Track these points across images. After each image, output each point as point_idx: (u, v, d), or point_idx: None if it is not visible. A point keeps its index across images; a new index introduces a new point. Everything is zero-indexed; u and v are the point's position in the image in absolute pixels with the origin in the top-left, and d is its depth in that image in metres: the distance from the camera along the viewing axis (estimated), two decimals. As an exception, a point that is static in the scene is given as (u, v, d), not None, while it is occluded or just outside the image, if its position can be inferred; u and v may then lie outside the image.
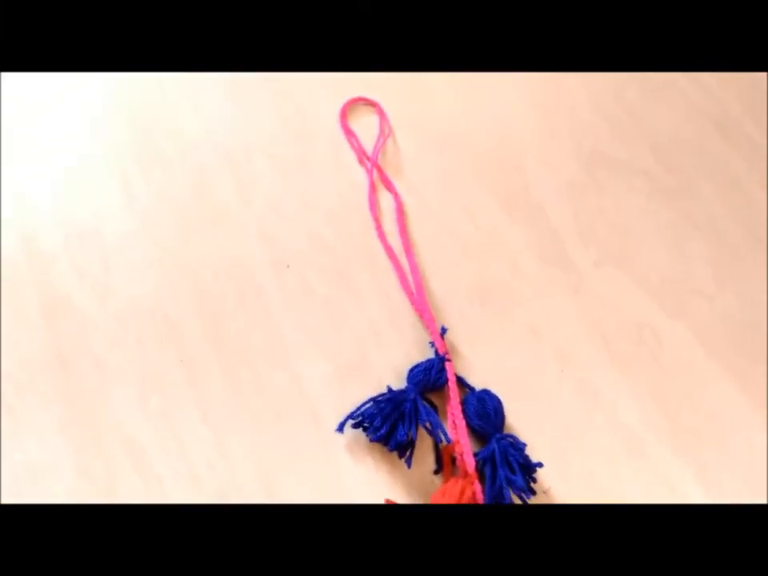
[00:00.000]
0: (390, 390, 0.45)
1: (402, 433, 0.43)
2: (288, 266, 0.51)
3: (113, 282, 0.50)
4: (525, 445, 0.44)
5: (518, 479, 0.42)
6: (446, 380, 0.46)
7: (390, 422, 0.43)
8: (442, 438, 0.43)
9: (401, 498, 0.43)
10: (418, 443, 0.44)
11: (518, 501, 0.43)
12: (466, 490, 0.41)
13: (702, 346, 0.51)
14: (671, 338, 0.51)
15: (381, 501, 0.42)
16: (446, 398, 0.47)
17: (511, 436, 0.45)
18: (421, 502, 0.42)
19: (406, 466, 0.43)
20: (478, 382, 0.47)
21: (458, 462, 0.44)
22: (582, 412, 0.48)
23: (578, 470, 0.45)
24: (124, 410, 0.45)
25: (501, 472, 0.42)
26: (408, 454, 0.43)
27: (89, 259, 0.50)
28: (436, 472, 0.44)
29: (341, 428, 0.44)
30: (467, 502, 0.41)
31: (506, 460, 0.43)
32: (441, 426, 0.44)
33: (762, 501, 0.42)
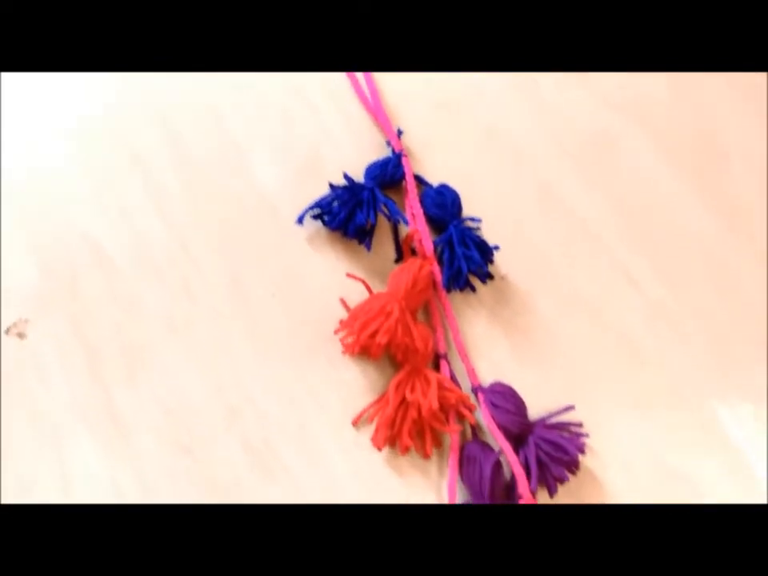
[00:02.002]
0: (348, 178, 0.45)
1: (361, 217, 0.43)
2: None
3: (63, 100, 0.48)
4: (480, 219, 0.45)
5: (475, 254, 0.43)
6: (403, 175, 0.47)
7: (348, 207, 0.43)
8: (400, 220, 0.44)
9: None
10: (377, 237, 0.45)
11: (475, 282, 0.44)
12: (424, 267, 0.42)
13: (657, 151, 0.52)
14: (626, 143, 0.52)
15: (343, 281, 0.43)
16: (403, 194, 0.47)
17: (469, 218, 0.45)
18: (380, 284, 0.43)
19: (366, 251, 0.44)
20: (434, 182, 0.48)
21: (417, 250, 0.45)
22: (537, 208, 0.49)
23: (534, 258, 0.47)
24: (77, 207, 0.44)
25: (458, 250, 0.43)
26: (368, 239, 0.44)
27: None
28: (396, 261, 0.45)
29: (300, 220, 0.44)
30: (424, 280, 0.42)
31: (464, 241, 0.44)
32: (399, 212, 0.44)
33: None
